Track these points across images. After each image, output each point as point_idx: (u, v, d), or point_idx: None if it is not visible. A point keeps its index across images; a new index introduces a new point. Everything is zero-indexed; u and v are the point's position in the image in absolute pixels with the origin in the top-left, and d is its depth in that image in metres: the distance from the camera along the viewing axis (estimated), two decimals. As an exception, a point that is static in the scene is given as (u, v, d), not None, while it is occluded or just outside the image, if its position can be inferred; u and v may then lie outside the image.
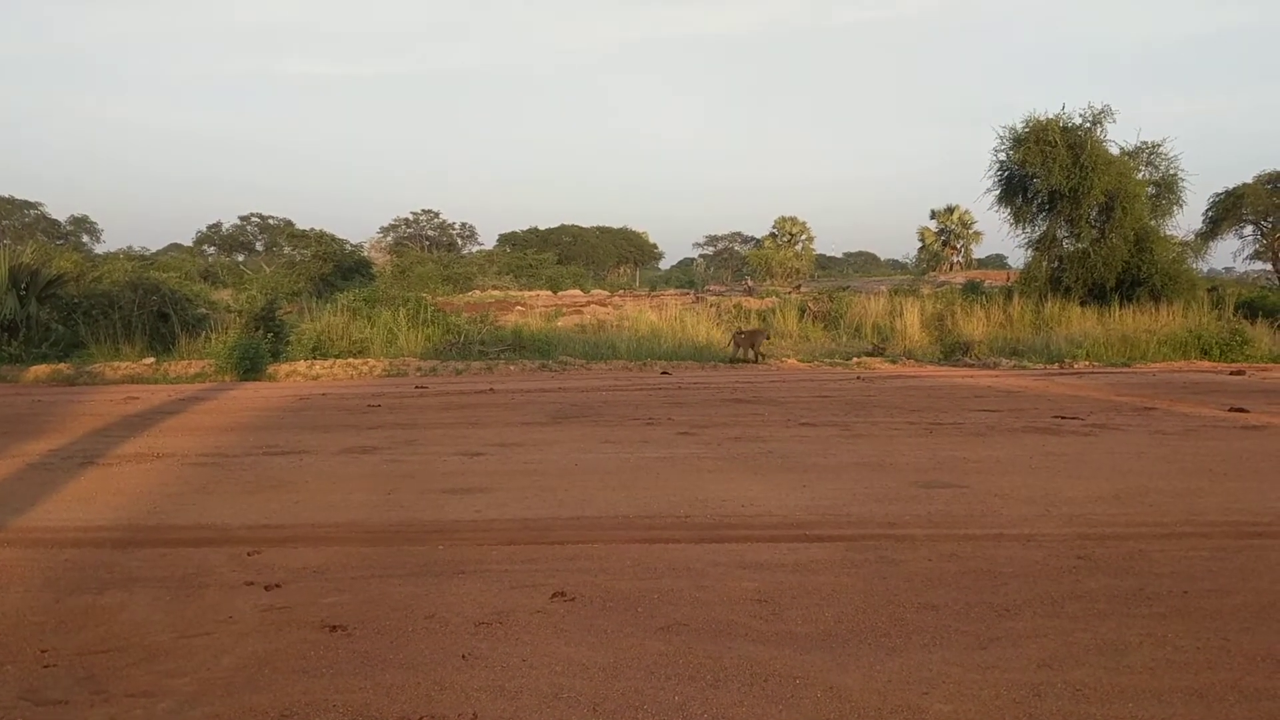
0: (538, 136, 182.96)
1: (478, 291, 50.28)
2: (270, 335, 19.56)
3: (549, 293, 51.75)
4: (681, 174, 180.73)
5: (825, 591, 5.13)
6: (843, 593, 5.12)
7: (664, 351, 21.25)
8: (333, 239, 55.66)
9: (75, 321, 20.63)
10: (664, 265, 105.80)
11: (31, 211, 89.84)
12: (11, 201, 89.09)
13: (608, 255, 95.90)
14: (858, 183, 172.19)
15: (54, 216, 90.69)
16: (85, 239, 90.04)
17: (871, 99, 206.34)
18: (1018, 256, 41.42)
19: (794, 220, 74.66)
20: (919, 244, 75.82)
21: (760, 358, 20.20)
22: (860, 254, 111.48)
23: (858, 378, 17.51)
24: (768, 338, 21.10)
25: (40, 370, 17.42)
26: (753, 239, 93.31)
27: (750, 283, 58.15)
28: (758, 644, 4.41)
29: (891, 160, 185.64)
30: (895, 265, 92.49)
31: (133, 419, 11.66)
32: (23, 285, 20.54)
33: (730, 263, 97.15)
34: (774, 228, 75.95)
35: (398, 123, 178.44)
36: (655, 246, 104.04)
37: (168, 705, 3.80)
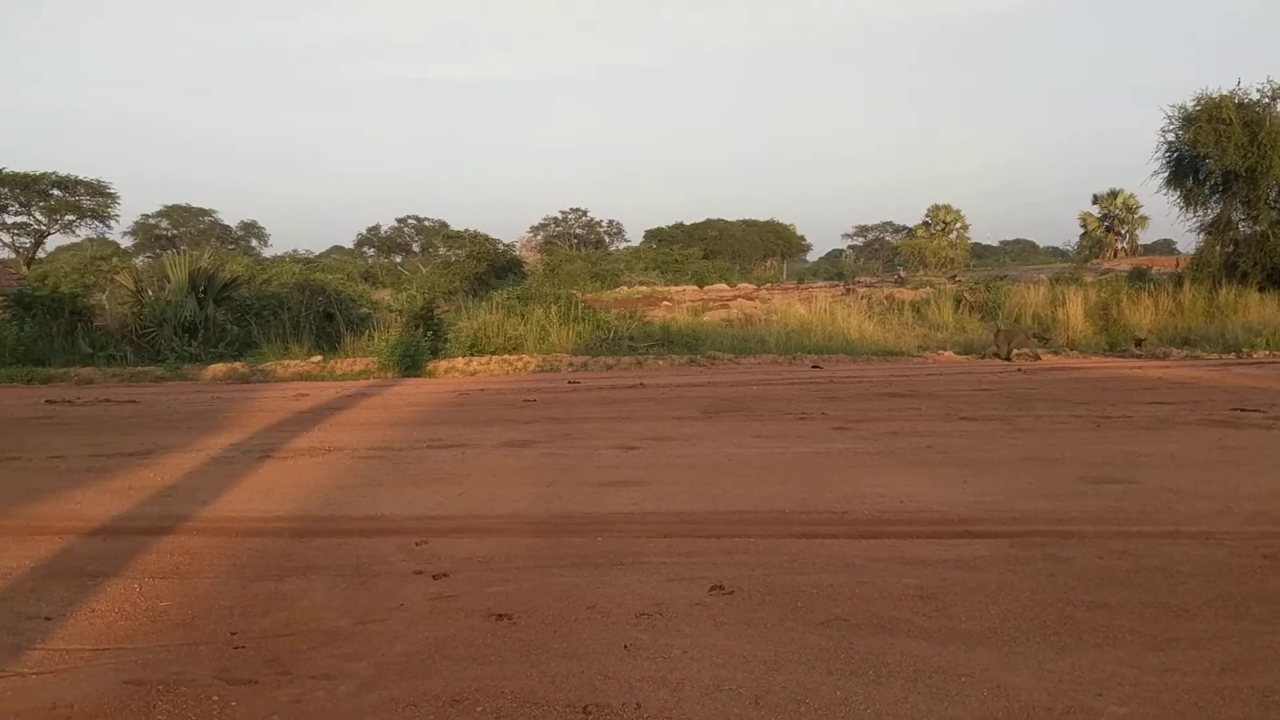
0: (682, 132, 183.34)
1: (625, 288, 50.71)
2: (429, 333, 20.17)
3: (695, 288, 51.78)
4: (830, 164, 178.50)
5: (990, 588, 5.01)
6: (1008, 590, 4.99)
7: (814, 345, 21.04)
8: (486, 239, 57.09)
9: (248, 322, 21.69)
10: (812, 257, 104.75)
11: (205, 218, 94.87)
12: (188, 209, 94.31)
13: (754, 249, 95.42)
14: (1014, 168, 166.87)
15: (226, 223, 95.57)
16: (254, 243, 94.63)
17: (1027, 81, 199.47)
18: (1188, 241, 39.52)
19: (947, 208, 72.76)
20: (1080, 230, 72.83)
21: (1019, 355, 19.42)
22: (1018, 242, 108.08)
23: (1019, 370, 16.99)
24: (1033, 336, 20.43)
25: (218, 369, 18.38)
26: (904, 228, 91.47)
27: (903, 273, 57.00)
28: (921, 640, 4.34)
29: (1050, 144, 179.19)
30: (1055, 253, 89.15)
31: (304, 415, 12.21)
32: (201, 288, 21.72)
33: (881, 253, 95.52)
34: (927, 216, 74.17)
35: (546, 123, 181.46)
36: (803, 239, 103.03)
37: (347, 688, 3.98)
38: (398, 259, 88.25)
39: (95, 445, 9.96)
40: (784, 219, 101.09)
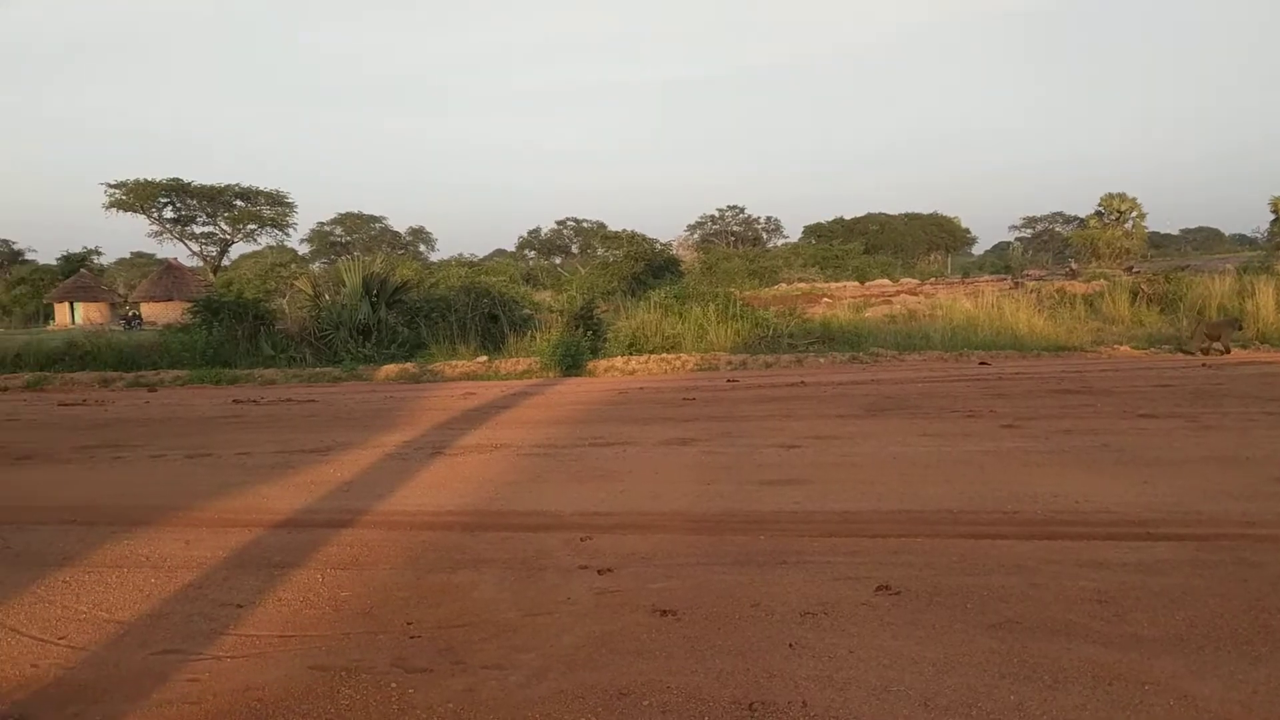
0: (839, 126, 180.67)
1: (783, 285, 50.32)
2: (589, 333, 20.47)
3: (856, 283, 51.01)
4: (995, 155, 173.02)
5: (1174, 593, 4.78)
6: (1194, 595, 4.74)
7: (980, 341, 20.43)
8: (643, 239, 57.53)
9: (417, 324, 22.43)
10: (977, 251, 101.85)
11: (377, 225, 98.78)
12: (360, 216, 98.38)
13: (916, 243, 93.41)
14: (1194, 153, 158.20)
15: (395, 229, 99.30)
16: (422, 248, 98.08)
17: (1205, 61, 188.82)
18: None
19: (1122, 197, 69.46)
20: (1271, 216, 68.50)
21: (1226, 349, 18.51)
22: (1200, 230, 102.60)
23: (1203, 365, 16.11)
24: (1240, 328, 19.45)
25: (390, 369, 19.08)
26: (1076, 219, 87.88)
27: (1074, 265, 54.74)
28: (1099, 645, 4.17)
29: (1235, 126, 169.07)
30: (1242, 241, 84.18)
31: (471, 413, 12.56)
32: (374, 292, 22.60)
33: (1050, 245, 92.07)
34: (1100, 206, 70.99)
35: (701, 122, 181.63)
36: (967, 231, 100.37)
37: (517, 678, 4.08)
38: (557, 260, 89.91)
39: (279, 442, 10.49)
40: (948, 212, 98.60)
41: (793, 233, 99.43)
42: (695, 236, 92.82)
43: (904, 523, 6.29)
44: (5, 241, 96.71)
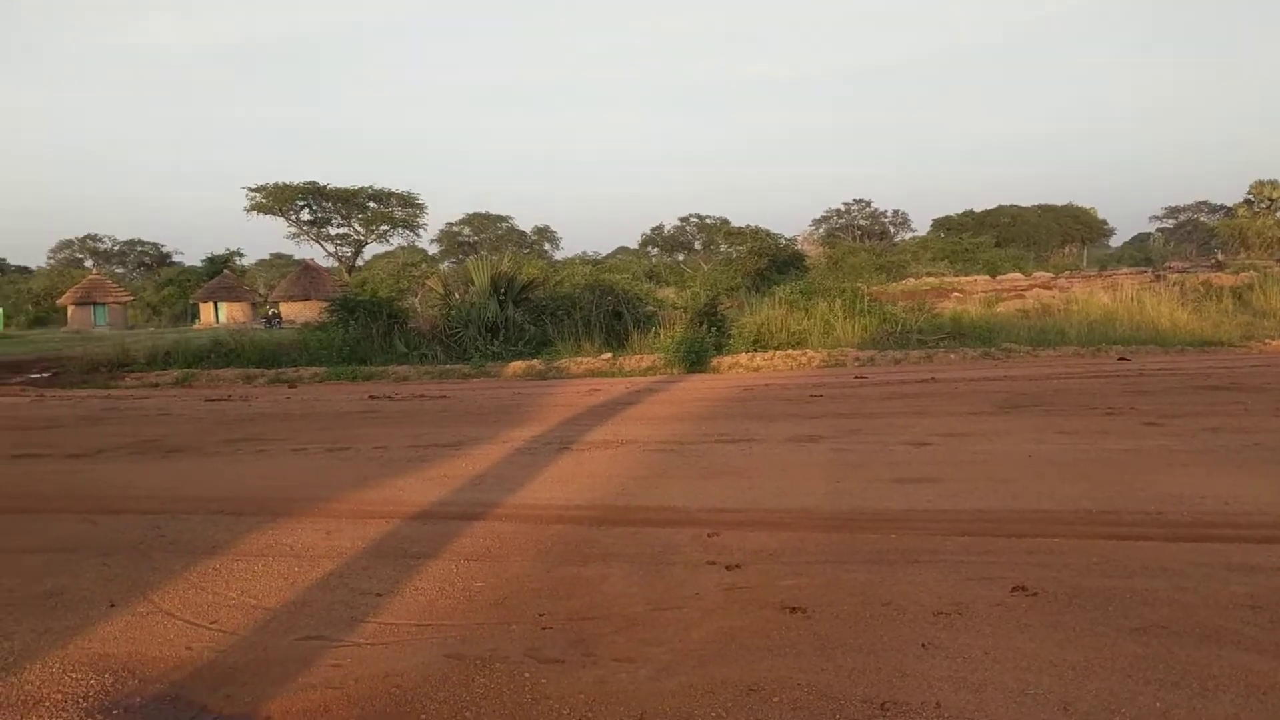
0: (969, 117, 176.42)
1: (911, 279, 49.45)
2: (713, 330, 20.46)
3: (986, 277, 49.80)
4: (1133, 142, 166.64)
5: (1335, 601, 4.54)
6: (1360, 603, 4.50)
7: (1119, 336, 19.71)
8: (767, 234, 57.35)
9: (543, 321, 22.77)
10: (1114, 243, 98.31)
11: (503, 224, 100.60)
12: (487, 216, 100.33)
13: (1050, 235, 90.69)
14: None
15: (521, 228, 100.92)
16: (547, 246, 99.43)
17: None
18: None
19: (1274, 184, 66.12)
20: None
21: None
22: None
23: (1362, 361, 15.24)
24: None
25: (517, 366, 19.41)
26: (1222, 208, 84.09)
27: (1220, 256, 52.39)
28: (1253, 653, 3.99)
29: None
30: None
31: (597, 409, 12.69)
32: (502, 291, 23.03)
33: (1194, 236, 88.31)
34: (1249, 194, 67.73)
35: (827, 118, 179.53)
36: (1104, 223, 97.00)
37: (647, 671, 4.11)
38: (680, 257, 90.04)
39: (413, 437, 10.79)
40: (1083, 202, 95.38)
41: (921, 226, 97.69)
42: (820, 231, 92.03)
43: (1040, 522, 6.13)
44: (155, 244, 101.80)
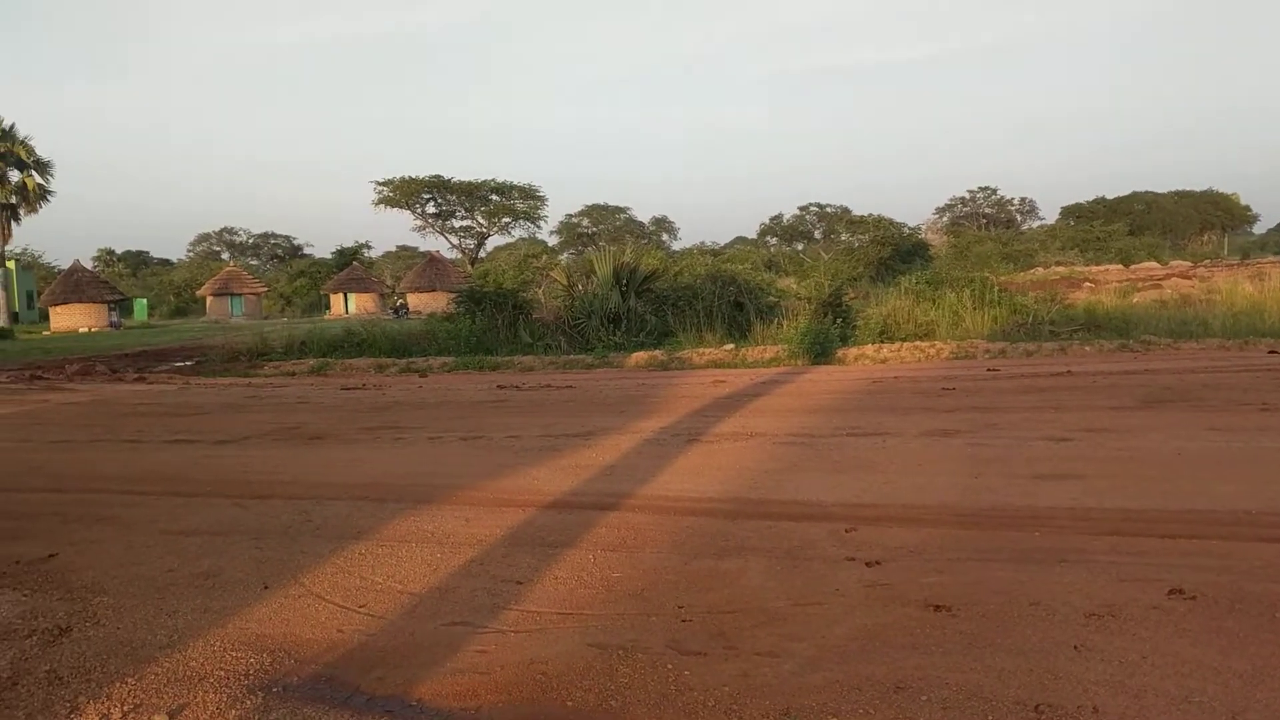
0: (1100, 101, 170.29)
1: (1040, 269, 48.13)
2: (838, 320, 20.21)
3: (1119, 267, 48.18)
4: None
5: None
6: None
7: (1269, 328, 18.78)
8: (890, 223, 56.53)
9: (664, 312, 22.82)
10: (1259, 230, 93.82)
11: (621, 215, 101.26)
12: (605, 208, 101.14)
13: (1187, 222, 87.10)
14: None
15: (639, 219, 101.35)
16: (665, 237, 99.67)
17: None
18: None
19: None
20: None
21: None
22: None
23: None
24: None
25: (640, 356, 19.51)
26: (1378, 192, 79.54)
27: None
28: None
29: None
30: None
31: (723, 400, 12.67)
32: (624, 282, 23.17)
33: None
34: (1406, 177, 63.87)
35: (949, 102, 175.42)
36: (1247, 209, 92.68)
37: (791, 666, 4.09)
38: (799, 246, 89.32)
39: (543, 426, 10.94)
40: (1224, 188, 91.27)
41: (1049, 214, 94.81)
42: (944, 220, 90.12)
43: (1195, 523, 5.89)
44: (287, 237, 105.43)
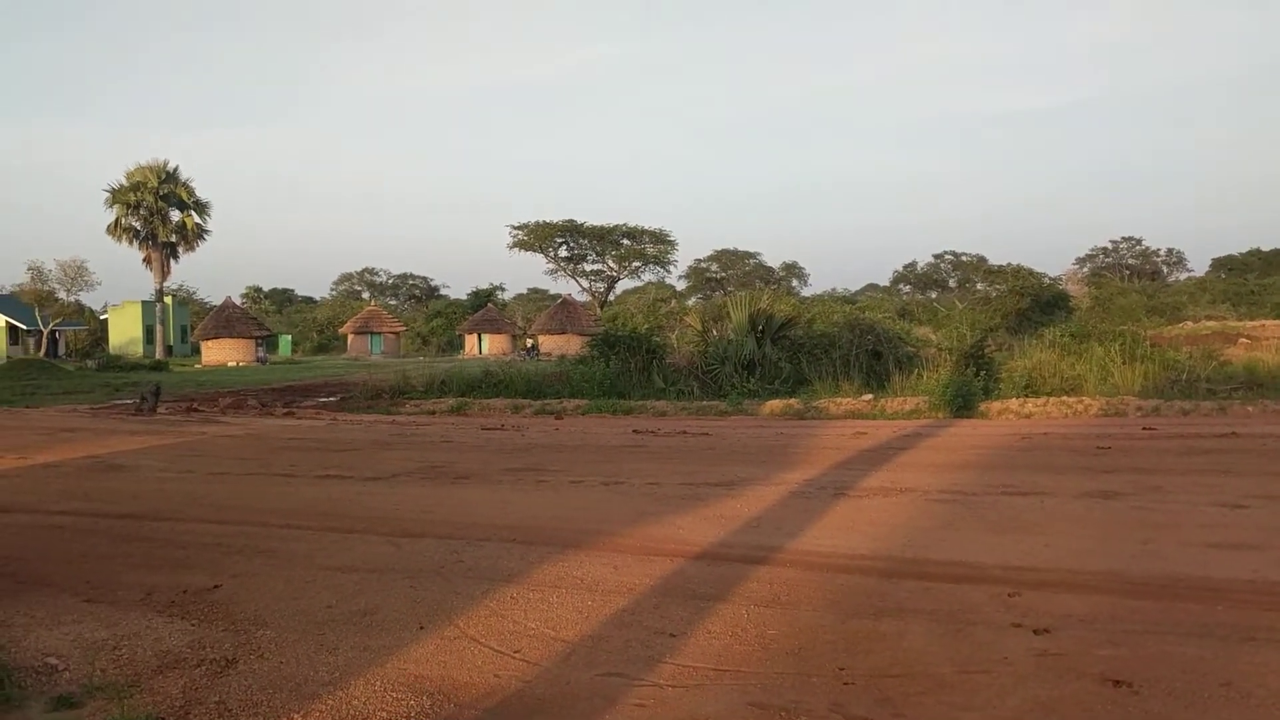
0: (1256, 147, 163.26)
1: (1189, 323, 46.17)
2: (980, 372, 19.67)
3: (1277, 322, 45.80)
4: None
5: None
6: None
7: None
8: (1029, 273, 54.99)
9: (799, 360, 22.59)
10: None
11: (751, 260, 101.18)
12: (735, 253, 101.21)
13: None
14: None
15: (769, 264, 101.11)
16: (794, 283, 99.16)
17: None
18: None
19: None
20: None
21: None
22: None
23: None
24: None
25: (774, 405, 19.30)
26: None
27: None
28: None
29: None
30: None
31: (866, 453, 12.42)
32: (759, 328, 23.05)
33: None
34: None
35: (1091, 147, 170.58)
36: None
37: (966, 739, 3.93)
38: (933, 295, 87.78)
39: (683, 474, 10.89)
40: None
41: (1198, 266, 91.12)
42: (1084, 270, 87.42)
43: (1396, 603, 5.48)
44: (424, 278, 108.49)
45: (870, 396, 19.45)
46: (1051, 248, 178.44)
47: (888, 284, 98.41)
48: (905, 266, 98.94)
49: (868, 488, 9.69)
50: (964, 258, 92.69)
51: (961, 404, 17.45)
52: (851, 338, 22.79)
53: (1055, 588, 6.00)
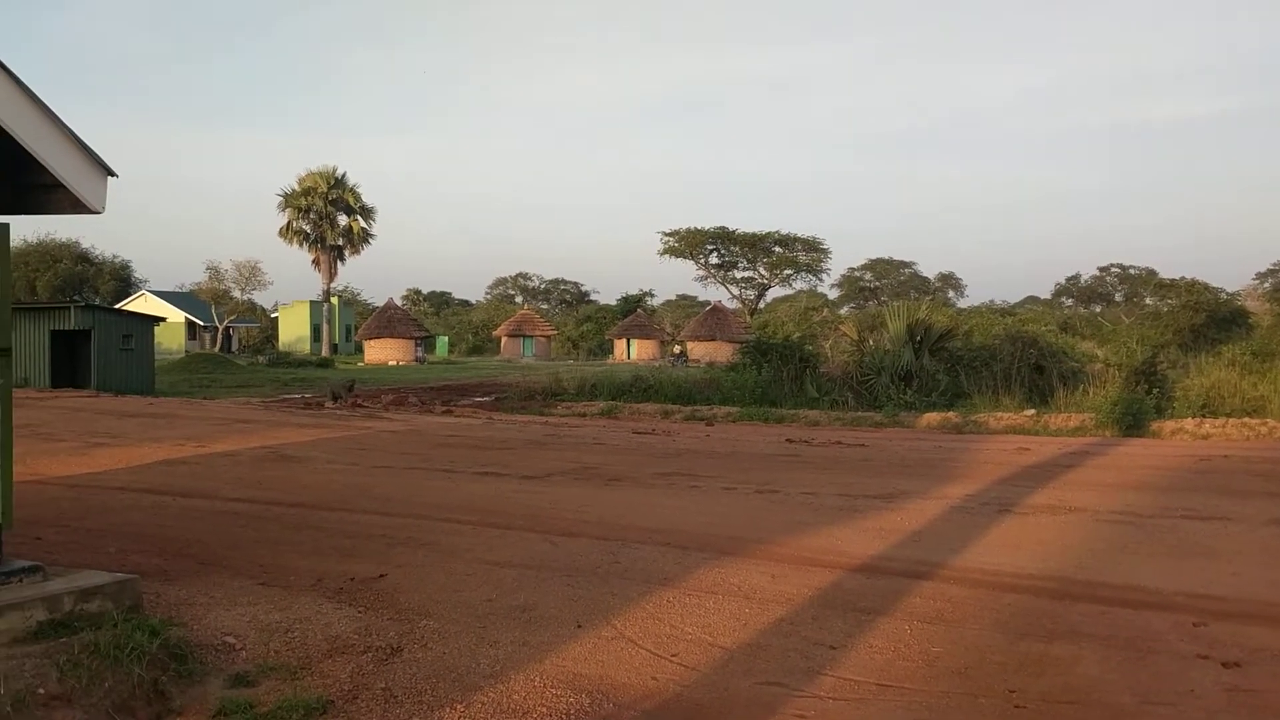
0: None
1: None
2: (1152, 390, 18.77)
3: None
4: None
5: None
6: None
7: None
8: (1205, 288, 52.14)
9: (957, 372, 22.01)
10: None
11: (905, 270, 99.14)
12: (889, 262, 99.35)
13: None
14: None
15: (924, 274, 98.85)
16: (950, 294, 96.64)
17: None
18: None
19: None
20: None
21: None
22: None
23: None
24: None
25: (931, 417, 18.85)
26: None
27: None
28: None
29: None
30: None
31: (1030, 469, 11.98)
32: (917, 338, 22.55)
33: None
34: None
35: (1270, 155, 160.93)
36: None
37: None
38: (1097, 309, 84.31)
39: (839, 485, 10.70)
40: None
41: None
42: (1265, 286, 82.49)
43: None
44: (575, 283, 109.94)
45: (1032, 411, 18.82)
46: (1227, 260, 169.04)
47: (1048, 296, 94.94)
48: (1068, 279, 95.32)
49: (1034, 505, 9.33)
50: (1131, 271, 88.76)
51: (1131, 422, 16.68)
52: (1013, 351, 22.12)
53: (1246, 619, 5.65)
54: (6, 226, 5.50)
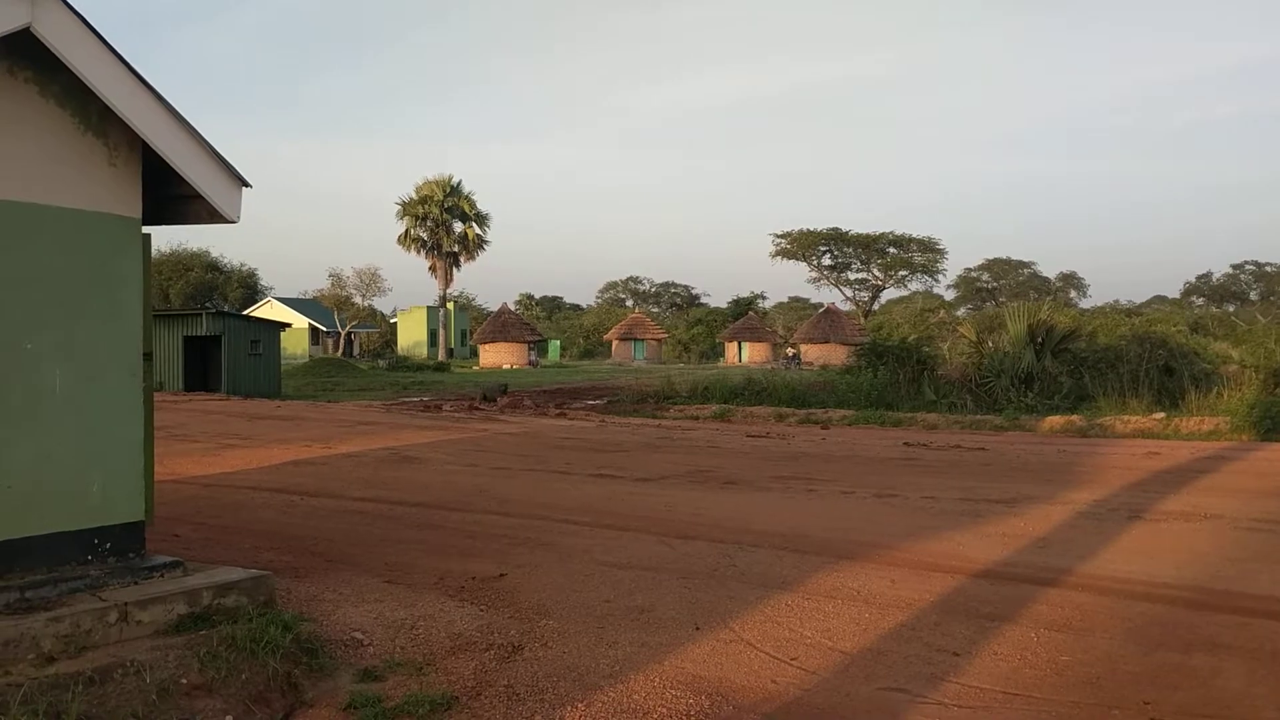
0: None
1: None
2: (1298, 394, 17.91)
3: None
4: None
5: None
6: None
7: None
8: (1348, 284, 49.73)
9: (1080, 375, 21.35)
10: None
11: (1025, 270, 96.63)
12: (1008, 262, 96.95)
13: None
14: None
15: (1045, 274, 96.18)
16: (1072, 294, 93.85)
17: None
18: None
19: None
20: None
21: None
22: None
23: None
24: None
25: (1054, 421, 18.32)
26: None
27: None
28: None
29: None
30: None
31: (1161, 474, 11.54)
32: (1039, 340, 21.95)
33: None
34: None
35: None
36: None
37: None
38: (1230, 308, 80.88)
39: (960, 489, 10.47)
40: None
41: None
42: None
43: None
44: (686, 286, 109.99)
45: (1161, 415, 18.14)
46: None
47: (1177, 296, 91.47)
48: (1199, 278, 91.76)
49: (1166, 511, 8.99)
50: (1268, 268, 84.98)
51: (1270, 426, 15.96)
52: (1140, 352, 21.36)
53: (1405, 636, 5.35)
54: (149, 237, 5.77)
